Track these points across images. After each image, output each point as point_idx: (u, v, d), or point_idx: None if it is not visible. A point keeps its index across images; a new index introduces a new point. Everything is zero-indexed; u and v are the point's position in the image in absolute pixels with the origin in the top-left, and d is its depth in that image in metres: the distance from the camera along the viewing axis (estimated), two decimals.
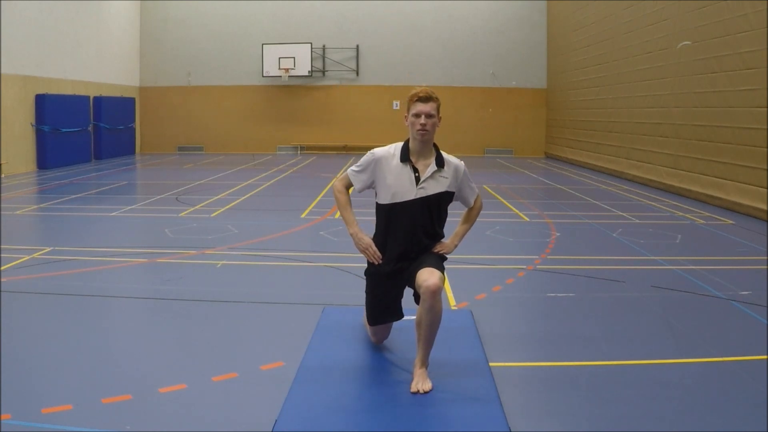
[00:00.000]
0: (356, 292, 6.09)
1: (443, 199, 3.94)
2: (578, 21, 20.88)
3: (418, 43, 24.57)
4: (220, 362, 4.39)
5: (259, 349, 4.67)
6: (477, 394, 3.68)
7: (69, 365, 4.37)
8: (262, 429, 3.41)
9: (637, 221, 10.23)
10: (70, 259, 7.30)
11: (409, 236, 3.91)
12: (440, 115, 3.89)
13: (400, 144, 3.97)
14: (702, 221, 10.31)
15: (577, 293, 6.18)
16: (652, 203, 12.29)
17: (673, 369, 4.38)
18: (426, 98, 3.82)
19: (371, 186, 4.03)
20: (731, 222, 10.26)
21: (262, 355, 4.51)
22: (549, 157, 24.11)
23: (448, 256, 4.03)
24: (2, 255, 7.27)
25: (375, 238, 4.02)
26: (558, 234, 9.08)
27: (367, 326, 4.39)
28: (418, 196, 3.86)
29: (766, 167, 10.48)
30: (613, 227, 9.59)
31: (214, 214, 10.42)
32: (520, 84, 24.86)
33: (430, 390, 3.72)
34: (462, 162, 4.04)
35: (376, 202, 4.02)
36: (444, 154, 3.98)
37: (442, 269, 3.86)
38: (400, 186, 3.88)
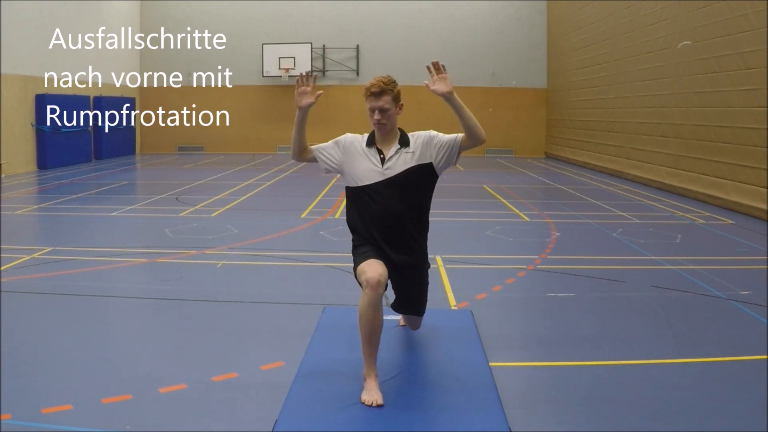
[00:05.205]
0: (356, 293, 6.09)
1: (415, 174, 3.76)
2: (578, 21, 20.87)
3: (418, 43, 24.54)
4: (220, 362, 4.39)
5: (259, 349, 4.67)
6: (477, 394, 3.68)
7: (69, 365, 4.37)
8: (262, 429, 3.42)
9: (637, 221, 10.23)
10: (70, 259, 7.30)
11: (384, 220, 3.75)
12: (401, 102, 3.80)
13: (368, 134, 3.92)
14: (702, 221, 10.30)
15: (577, 293, 6.17)
16: (653, 203, 12.29)
17: (673, 369, 4.38)
18: (378, 93, 3.71)
19: (336, 165, 3.93)
20: (731, 222, 10.26)
21: (262, 355, 4.51)
22: (549, 157, 24.10)
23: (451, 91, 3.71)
24: (2, 255, 7.27)
25: (348, 220, 3.94)
26: (558, 234, 9.08)
27: (360, 275, 3.73)
28: (385, 177, 3.75)
29: (766, 167, 10.48)
30: (613, 227, 9.58)
31: (214, 214, 10.42)
32: (520, 84, 24.85)
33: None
34: (430, 131, 3.89)
35: (346, 186, 3.92)
36: (410, 133, 3.86)
37: (423, 304, 4.16)
38: (366, 169, 3.79)
